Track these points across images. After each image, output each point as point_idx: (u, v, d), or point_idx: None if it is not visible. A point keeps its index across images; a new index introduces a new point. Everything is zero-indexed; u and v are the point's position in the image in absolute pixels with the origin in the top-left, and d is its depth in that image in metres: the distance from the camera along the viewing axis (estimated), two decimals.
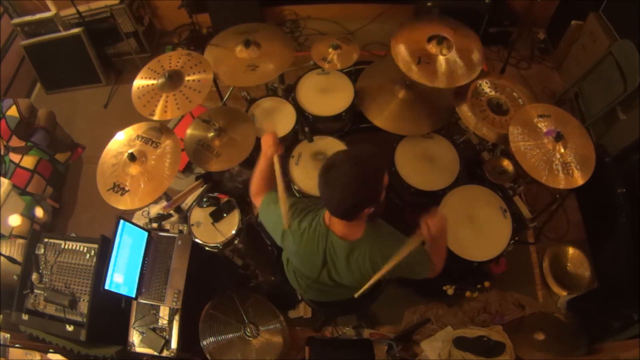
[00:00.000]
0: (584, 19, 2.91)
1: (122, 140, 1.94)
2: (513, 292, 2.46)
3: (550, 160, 1.73)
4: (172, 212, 2.19)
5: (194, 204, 2.16)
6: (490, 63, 3.39)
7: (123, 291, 1.88)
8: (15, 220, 2.44)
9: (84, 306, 1.97)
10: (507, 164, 2.13)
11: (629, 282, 2.15)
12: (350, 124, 2.43)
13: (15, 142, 2.91)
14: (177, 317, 1.97)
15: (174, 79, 1.95)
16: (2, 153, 2.88)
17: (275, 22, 3.78)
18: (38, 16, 3.23)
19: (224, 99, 2.49)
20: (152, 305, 1.99)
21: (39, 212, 2.79)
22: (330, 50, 2.28)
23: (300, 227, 1.40)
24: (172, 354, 1.92)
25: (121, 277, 1.88)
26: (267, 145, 1.58)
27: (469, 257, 1.92)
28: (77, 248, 2.06)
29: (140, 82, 2.00)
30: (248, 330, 2.14)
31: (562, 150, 1.74)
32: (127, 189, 1.81)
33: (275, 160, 1.55)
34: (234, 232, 2.06)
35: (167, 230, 2.16)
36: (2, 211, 2.47)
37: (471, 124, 1.95)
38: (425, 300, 2.48)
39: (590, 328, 2.18)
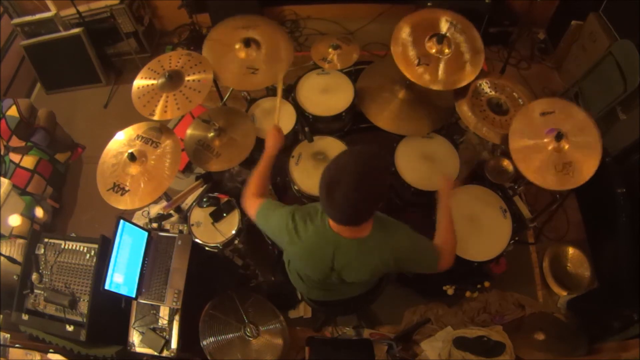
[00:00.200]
0: (584, 19, 2.91)
1: (122, 140, 1.94)
2: (513, 292, 2.46)
3: (552, 162, 1.72)
4: (172, 212, 2.19)
5: (194, 204, 2.16)
6: (490, 63, 3.39)
7: (123, 291, 1.88)
8: (15, 220, 2.44)
9: (84, 306, 1.97)
10: (507, 164, 2.13)
11: (629, 282, 2.15)
12: (350, 124, 2.43)
13: (15, 142, 2.91)
14: (177, 317, 1.97)
15: (174, 79, 1.95)
16: (2, 153, 2.88)
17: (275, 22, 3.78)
18: (38, 16, 3.24)
19: (224, 99, 2.49)
20: (152, 305, 1.99)
21: (39, 212, 2.79)
22: (330, 50, 2.28)
23: (306, 232, 1.37)
24: (172, 354, 1.92)
25: (121, 277, 1.88)
26: (272, 143, 1.55)
27: (469, 257, 1.92)
28: (77, 248, 2.05)
29: (140, 82, 2.00)
30: (248, 330, 2.14)
31: (565, 148, 1.73)
32: (127, 189, 1.81)
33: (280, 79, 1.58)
34: (234, 232, 2.06)
35: (167, 230, 2.16)
36: (2, 211, 2.47)
37: (471, 124, 1.95)
38: (425, 300, 2.48)
39: (590, 328, 2.18)
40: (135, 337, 1.96)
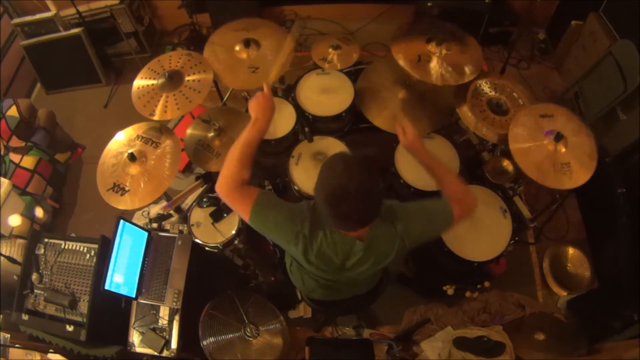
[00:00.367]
0: (584, 19, 2.91)
1: (122, 140, 1.94)
2: (513, 292, 2.46)
3: (551, 161, 1.72)
4: (172, 212, 2.19)
5: (194, 204, 2.16)
6: (490, 63, 3.39)
7: (123, 291, 1.88)
8: (15, 220, 2.44)
9: (84, 306, 1.96)
10: (507, 164, 2.13)
11: (629, 282, 2.15)
12: (350, 124, 2.43)
13: (15, 142, 2.91)
14: (177, 317, 1.97)
15: (174, 79, 1.95)
16: (2, 153, 2.88)
17: (275, 22, 3.78)
18: (38, 16, 3.23)
19: (224, 99, 2.49)
20: (152, 305, 1.99)
21: (39, 212, 2.79)
22: (330, 50, 2.28)
23: (316, 239, 1.32)
24: (172, 354, 1.92)
25: (121, 277, 1.88)
26: (262, 111, 1.34)
27: (469, 257, 1.92)
28: (77, 248, 2.05)
29: (140, 82, 2.00)
30: (248, 330, 2.14)
31: (563, 150, 1.74)
32: (127, 189, 1.81)
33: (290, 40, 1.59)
34: (234, 232, 2.06)
35: (167, 231, 2.16)
36: (2, 211, 2.47)
37: (471, 124, 1.95)
38: (425, 300, 2.48)
39: (590, 328, 2.18)
40: (135, 337, 1.96)
